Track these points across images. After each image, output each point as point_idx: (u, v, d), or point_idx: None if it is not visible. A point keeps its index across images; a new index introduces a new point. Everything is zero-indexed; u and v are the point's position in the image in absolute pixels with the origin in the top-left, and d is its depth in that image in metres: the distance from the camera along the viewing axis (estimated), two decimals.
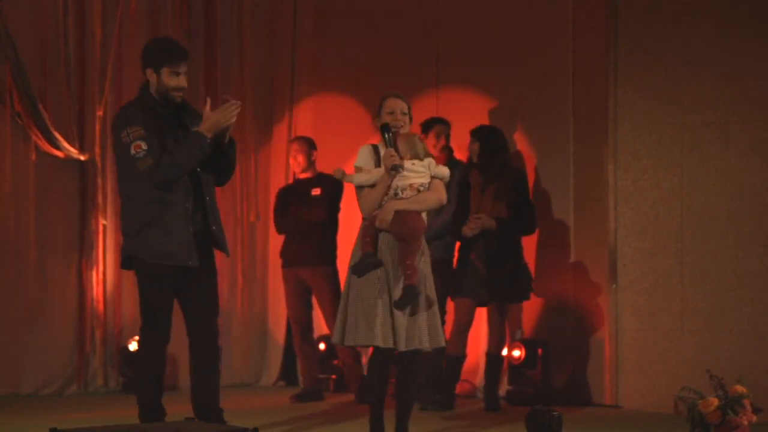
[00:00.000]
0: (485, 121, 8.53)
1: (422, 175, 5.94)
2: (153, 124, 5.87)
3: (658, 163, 8.02)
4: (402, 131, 5.99)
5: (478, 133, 8.01)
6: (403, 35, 9.25)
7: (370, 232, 5.88)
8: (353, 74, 9.47)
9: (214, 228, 6.04)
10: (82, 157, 8.74)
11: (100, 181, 8.83)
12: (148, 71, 5.98)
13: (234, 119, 5.88)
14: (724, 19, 7.88)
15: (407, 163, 5.92)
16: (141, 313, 6.07)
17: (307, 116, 9.68)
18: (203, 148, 5.82)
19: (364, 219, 5.95)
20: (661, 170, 8.01)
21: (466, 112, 8.59)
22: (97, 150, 8.81)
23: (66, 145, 8.62)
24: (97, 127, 8.81)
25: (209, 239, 6.06)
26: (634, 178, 8.06)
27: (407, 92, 9.11)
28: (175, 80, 5.92)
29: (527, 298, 8.07)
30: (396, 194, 5.90)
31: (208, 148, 5.83)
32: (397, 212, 5.86)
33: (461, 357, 7.96)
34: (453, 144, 8.34)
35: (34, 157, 8.55)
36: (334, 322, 8.24)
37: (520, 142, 8.65)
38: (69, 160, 8.70)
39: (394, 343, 5.82)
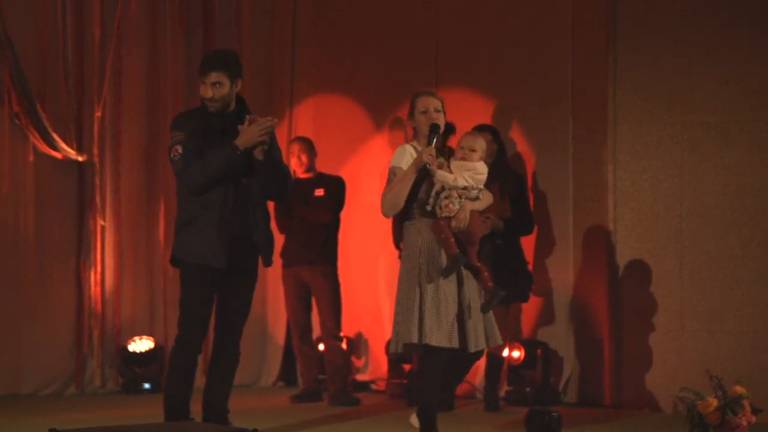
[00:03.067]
0: (485, 121, 8.53)
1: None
2: (201, 131, 6.06)
3: (657, 163, 8.01)
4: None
5: (495, 134, 8.01)
6: (403, 35, 9.24)
7: (448, 233, 5.86)
8: (353, 74, 9.47)
9: (254, 235, 6.17)
10: (80, 158, 8.73)
11: (98, 182, 8.82)
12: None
13: (266, 136, 6.03)
14: (723, 19, 7.86)
15: (479, 165, 5.97)
16: (179, 312, 6.19)
17: (307, 116, 9.68)
18: (232, 160, 5.99)
19: (439, 220, 5.91)
20: (660, 170, 8.00)
21: (466, 112, 8.57)
22: (96, 151, 8.81)
23: (64, 146, 8.61)
24: (96, 127, 8.80)
25: (251, 246, 6.19)
26: (633, 178, 8.06)
27: (407, 92, 9.14)
28: (203, 90, 6.12)
29: (527, 298, 8.07)
30: (477, 197, 5.94)
31: (238, 159, 6.00)
32: (471, 213, 5.93)
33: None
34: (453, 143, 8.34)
35: (32, 158, 8.54)
36: (332, 321, 8.33)
37: (520, 142, 8.64)
38: (67, 161, 8.69)
39: (465, 344, 5.88)
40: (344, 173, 8.77)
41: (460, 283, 5.91)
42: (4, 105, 8.38)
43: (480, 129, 8.00)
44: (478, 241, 6.04)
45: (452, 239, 5.86)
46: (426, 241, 5.93)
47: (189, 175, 6.01)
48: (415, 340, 5.81)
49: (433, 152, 5.86)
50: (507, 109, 8.72)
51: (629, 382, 8.03)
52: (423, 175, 5.89)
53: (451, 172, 5.95)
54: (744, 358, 7.61)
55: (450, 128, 8.22)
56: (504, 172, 7.97)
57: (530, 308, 8.45)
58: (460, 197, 5.91)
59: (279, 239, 8.63)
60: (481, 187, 5.99)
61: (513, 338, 8.37)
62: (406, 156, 5.96)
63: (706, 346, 7.79)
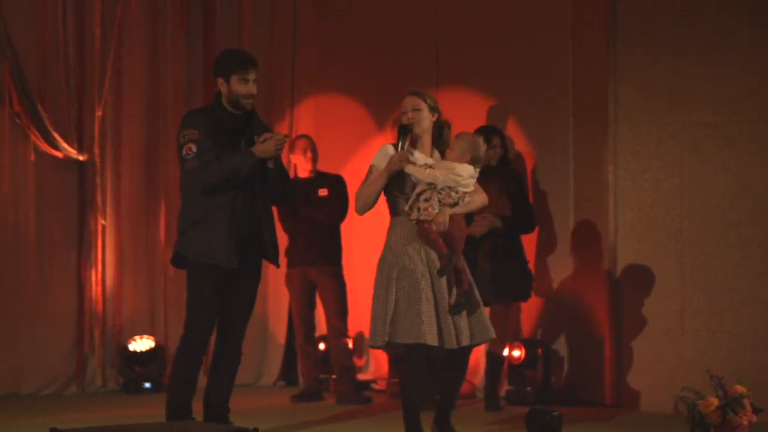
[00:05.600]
0: (484, 122, 8.54)
1: (474, 181, 6.00)
2: (213, 131, 6.07)
3: (658, 163, 8.01)
4: (416, 129, 6.02)
5: (504, 138, 8.00)
6: (403, 35, 9.25)
7: (436, 234, 5.86)
8: (353, 74, 9.47)
9: (265, 237, 6.21)
10: (81, 158, 8.73)
11: (99, 181, 8.82)
12: (219, 81, 6.17)
13: (281, 150, 6.11)
14: (724, 19, 7.87)
15: (472, 170, 5.94)
16: (186, 311, 6.19)
17: (307, 116, 9.68)
18: (248, 165, 6.03)
19: (422, 223, 5.89)
20: (661, 170, 8.01)
21: (466, 112, 8.58)
22: (96, 150, 8.81)
23: (65, 145, 8.61)
24: (96, 127, 8.81)
25: (259, 247, 6.21)
26: (634, 178, 8.06)
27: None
28: (245, 87, 6.11)
29: (528, 297, 8.08)
30: (457, 203, 5.93)
31: (254, 166, 6.05)
32: (451, 216, 5.90)
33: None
34: None
35: (33, 157, 8.54)
36: (340, 320, 8.35)
37: (520, 142, 8.65)
38: (68, 161, 8.70)
39: (442, 342, 5.86)
40: (345, 173, 8.77)
41: (434, 281, 5.88)
42: (4, 105, 8.39)
43: (485, 131, 8.02)
44: (462, 243, 5.99)
45: (440, 240, 5.86)
46: (397, 239, 5.95)
47: (204, 175, 6.01)
48: (386, 338, 5.86)
49: (404, 157, 5.88)
50: (507, 109, 8.72)
51: (629, 382, 8.03)
52: (395, 178, 5.93)
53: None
54: (744, 358, 7.62)
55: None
56: (505, 171, 7.98)
57: (530, 308, 8.46)
58: (440, 201, 5.90)
59: (282, 239, 8.65)
60: (464, 190, 5.94)
61: (513, 338, 8.38)
62: (386, 155, 6.00)
63: (706, 346, 7.80)
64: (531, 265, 8.19)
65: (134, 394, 8.68)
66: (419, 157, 6.01)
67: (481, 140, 6.07)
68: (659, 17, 8.04)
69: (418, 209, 5.90)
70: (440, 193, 5.90)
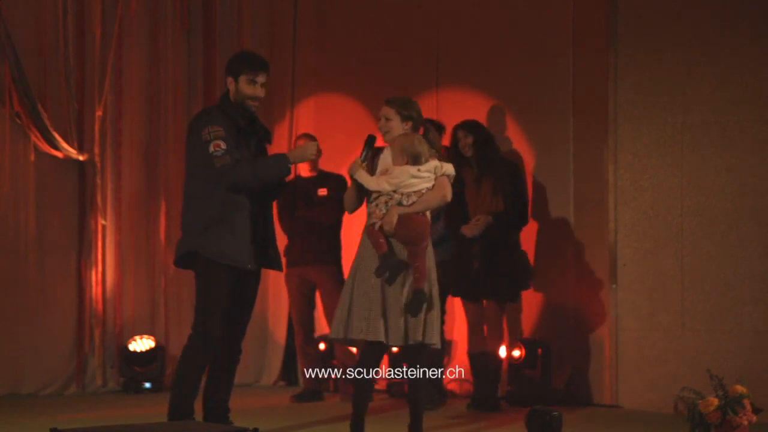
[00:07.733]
0: (485, 122, 8.54)
1: (427, 180, 6.00)
2: (231, 129, 6.10)
3: (658, 163, 8.02)
4: (386, 138, 6.12)
5: (469, 127, 7.98)
6: (403, 35, 9.25)
7: (376, 236, 5.94)
8: (354, 74, 9.47)
9: (269, 239, 6.27)
10: (81, 158, 8.73)
11: (99, 181, 8.82)
12: (229, 80, 6.21)
13: (314, 156, 6.25)
14: (724, 19, 7.88)
15: (413, 170, 5.96)
16: (195, 311, 6.20)
17: (308, 116, 9.68)
18: (282, 171, 6.14)
19: (367, 224, 6.02)
20: (661, 170, 8.01)
21: (466, 112, 8.58)
22: (96, 150, 8.81)
23: (65, 145, 8.62)
24: (97, 127, 8.81)
25: (264, 248, 6.25)
26: (634, 178, 8.06)
27: (407, 92, 9.08)
28: (251, 89, 6.16)
29: (516, 299, 8.08)
30: (400, 203, 5.95)
31: (287, 172, 6.16)
32: (400, 216, 5.91)
33: (485, 352, 7.95)
34: (450, 143, 8.33)
35: (33, 157, 8.55)
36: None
37: (520, 142, 8.65)
38: (68, 161, 8.70)
39: (386, 338, 5.90)
40: (344, 173, 8.77)
41: (390, 281, 5.92)
42: (5, 105, 8.39)
43: (455, 128, 8.01)
44: (418, 242, 5.97)
45: (381, 240, 5.92)
46: (364, 241, 6.05)
47: (238, 174, 6.03)
48: (340, 335, 5.98)
49: (357, 164, 6.03)
50: (507, 109, 8.73)
51: (629, 382, 8.03)
52: (358, 184, 6.08)
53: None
54: (744, 358, 7.62)
55: (440, 128, 8.20)
56: (497, 167, 7.93)
57: (530, 308, 8.46)
58: (387, 203, 5.97)
59: (281, 239, 8.64)
60: (406, 190, 5.97)
61: (513, 338, 8.37)
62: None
63: (706, 346, 7.80)
64: (531, 265, 8.19)
65: (134, 394, 8.68)
66: (388, 163, 6.09)
67: (413, 138, 6.04)
68: (659, 17, 8.04)
69: (371, 214, 6.01)
70: (387, 197, 5.98)
